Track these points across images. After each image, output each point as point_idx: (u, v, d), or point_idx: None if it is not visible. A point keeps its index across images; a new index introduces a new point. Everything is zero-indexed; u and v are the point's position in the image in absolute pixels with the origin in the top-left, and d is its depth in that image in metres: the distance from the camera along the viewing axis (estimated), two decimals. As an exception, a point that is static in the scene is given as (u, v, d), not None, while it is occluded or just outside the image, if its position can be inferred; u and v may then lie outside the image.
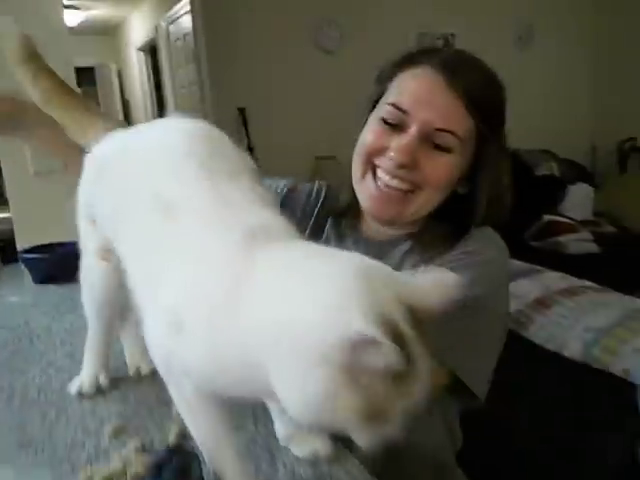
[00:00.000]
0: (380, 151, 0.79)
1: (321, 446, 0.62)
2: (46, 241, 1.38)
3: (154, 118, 4.90)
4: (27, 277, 1.39)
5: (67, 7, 5.13)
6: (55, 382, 0.83)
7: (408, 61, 0.80)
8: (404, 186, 0.78)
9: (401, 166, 0.77)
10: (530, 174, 4.00)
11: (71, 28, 5.63)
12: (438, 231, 0.82)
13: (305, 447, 0.62)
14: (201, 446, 0.52)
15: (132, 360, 0.85)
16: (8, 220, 1.56)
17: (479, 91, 0.77)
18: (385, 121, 0.79)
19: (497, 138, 0.80)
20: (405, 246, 0.83)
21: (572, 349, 1.41)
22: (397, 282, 0.41)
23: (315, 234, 0.91)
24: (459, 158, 0.78)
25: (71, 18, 5.42)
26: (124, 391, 0.79)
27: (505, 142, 0.83)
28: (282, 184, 0.97)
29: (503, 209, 0.83)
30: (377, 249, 0.82)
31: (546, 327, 1.64)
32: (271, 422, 0.66)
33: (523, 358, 1.37)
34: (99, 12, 5.96)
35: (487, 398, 1.10)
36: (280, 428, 0.64)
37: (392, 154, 0.77)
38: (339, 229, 0.90)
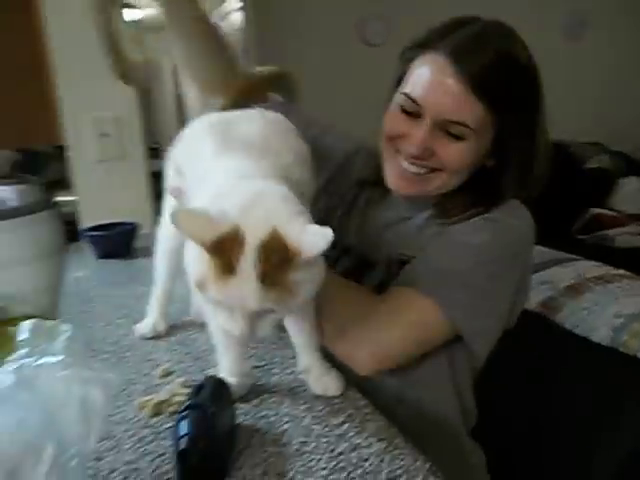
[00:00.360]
0: (400, 137, 0.84)
1: (332, 384, 0.72)
2: (106, 221, 1.53)
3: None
4: (90, 253, 1.55)
5: (126, 6, 5.38)
6: (113, 336, 0.96)
7: (425, 44, 0.81)
8: (422, 171, 0.83)
9: (415, 158, 0.82)
10: (579, 167, 3.94)
11: (129, 25, 5.91)
12: (462, 200, 0.85)
13: (319, 385, 0.73)
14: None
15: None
16: (73, 203, 1.72)
17: (487, 75, 0.76)
18: (402, 108, 0.82)
19: (519, 114, 0.80)
20: (428, 212, 0.88)
21: (601, 334, 1.43)
22: (279, 218, 0.53)
23: (348, 193, 0.99)
24: (474, 143, 0.80)
25: (128, 16, 5.67)
26: (173, 340, 0.92)
27: (537, 115, 0.83)
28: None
29: (534, 183, 0.85)
30: (404, 210, 0.90)
31: (576, 313, 1.66)
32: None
33: (552, 343, 1.40)
34: (155, 10, 6.19)
35: (513, 381, 1.13)
36: (300, 361, 0.75)
37: (407, 146, 0.82)
38: (371, 191, 0.97)
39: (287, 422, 0.67)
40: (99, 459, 0.62)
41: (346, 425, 0.66)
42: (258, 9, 3.93)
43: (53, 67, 1.58)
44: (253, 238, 0.52)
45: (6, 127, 1.67)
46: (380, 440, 0.62)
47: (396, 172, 0.86)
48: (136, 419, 0.70)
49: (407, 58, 0.84)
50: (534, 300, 2.00)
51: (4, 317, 1.44)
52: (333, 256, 0.95)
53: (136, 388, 0.77)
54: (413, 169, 0.83)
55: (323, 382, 0.73)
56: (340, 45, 3.94)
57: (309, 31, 3.86)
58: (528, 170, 0.84)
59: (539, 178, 0.85)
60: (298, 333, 0.75)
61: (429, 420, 0.85)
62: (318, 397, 0.72)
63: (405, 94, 0.82)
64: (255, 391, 0.74)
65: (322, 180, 0.99)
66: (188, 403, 0.59)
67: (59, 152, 1.82)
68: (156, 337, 0.93)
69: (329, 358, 0.77)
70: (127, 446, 0.64)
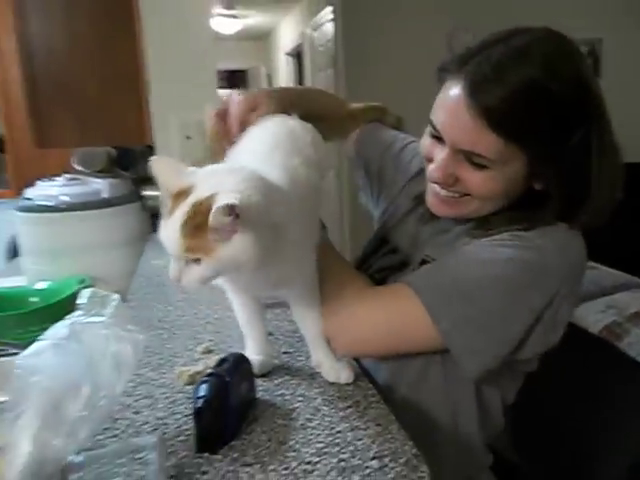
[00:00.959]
0: (430, 160, 0.85)
1: (344, 372, 0.79)
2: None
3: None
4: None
5: (226, 16, 5.71)
6: (171, 315, 1.09)
7: (451, 69, 0.79)
8: (453, 194, 0.83)
9: (438, 183, 0.82)
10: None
11: (229, 35, 6.25)
12: (505, 217, 0.82)
13: (332, 373, 0.80)
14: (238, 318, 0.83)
15: None
16: (157, 197, 1.89)
17: (504, 108, 0.72)
18: (431, 132, 0.83)
19: (553, 139, 0.75)
20: (466, 226, 0.87)
21: (667, 365, 1.38)
22: (225, 188, 0.60)
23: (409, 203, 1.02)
24: (499, 172, 0.77)
25: (229, 26, 6.01)
26: (220, 324, 1.03)
27: (587, 135, 0.76)
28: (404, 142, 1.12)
29: (596, 209, 0.79)
30: (443, 222, 0.90)
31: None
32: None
33: (613, 370, 1.37)
34: (254, 20, 6.52)
35: (569, 406, 1.08)
36: (312, 356, 0.83)
37: (431, 170, 0.83)
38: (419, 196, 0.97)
39: (299, 401, 0.75)
40: (136, 413, 0.73)
41: (350, 409, 0.72)
42: (349, 20, 4.06)
43: (147, 75, 1.77)
44: (194, 197, 0.61)
45: (105, 126, 1.88)
46: (377, 425, 0.69)
47: (432, 194, 0.87)
48: (172, 385, 0.81)
49: (440, 77, 0.82)
50: (598, 324, 1.95)
51: (91, 295, 1.64)
52: (383, 251, 1.01)
53: (178, 360, 0.88)
54: (444, 193, 0.84)
55: (335, 370, 0.80)
56: (429, 55, 3.96)
57: (399, 41, 3.92)
58: (580, 195, 0.78)
59: (604, 204, 0.79)
60: (307, 327, 0.82)
61: (420, 420, 0.88)
62: (333, 384, 0.79)
63: (430, 120, 0.82)
64: (279, 373, 0.83)
65: (396, 189, 1.08)
66: (210, 371, 0.68)
67: (149, 151, 2.01)
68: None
69: None
70: (161, 405, 0.75)
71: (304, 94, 1.14)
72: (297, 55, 6.28)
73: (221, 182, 0.62)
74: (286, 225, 0.66)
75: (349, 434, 0.67)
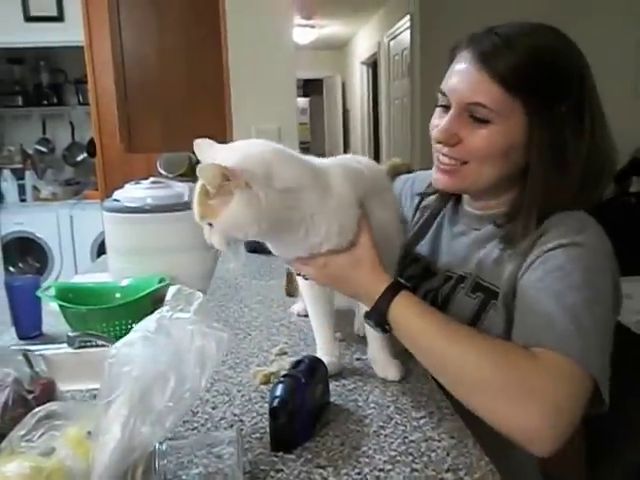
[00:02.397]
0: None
1: (393, 371, 0.82)
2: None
3: (368, 127, 5.24)
4: (242, 247, 1.76)
5: (304, 26, 5.82)
6: (247, 316, 1.12)
7: (458, 47, 0.86)
8: (452, 162, 0.85)
9: (441, 143, 0.85)
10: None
11: (306, 45, 6.36)
12: (522, 222, 0.82)
13: (381, 369, 0.84)
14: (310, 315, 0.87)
15: None
16: (234, 202, 1.96)
17: (505, 62, 0.78)
18: (440, 105, 0.87)
19: (549, 102, 0.80)
20: (491, 226, 0.89)
21: None
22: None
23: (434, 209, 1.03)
24: (500, 128, 0.80)
25: (306, 36, 6.11)
26: (294, 327, 1.05)
27: (581, 110, 0.81)
28: None
29: (594, 185, 0.83)
30: (473, 221, 0.93)
31: None
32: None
33: None
34: (330, 30, 6.59)
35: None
36: (368, 350, 0.86)
37: (435, 134, 0.86)
38: (448, 209, 1.01)
39: (372, 408, 0.75)
40: (214, 408, 0.76)
41: (424, 420, 0.72)
42: (426, 29, 4.04)
43: (230, 84, 1.83)
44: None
45: (189, 132, 1.96)
46: (451, 437, 0.68)
47: (434, 167, 0.90)
48: (249, 384, 0.83)
49: (449, 60, 0.88)
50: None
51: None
52: (405, 262, 1.01)
53: (254, 360, 0.91)
54: (445, 160, 0.86)
55: (385, 368, 0.83)
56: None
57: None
58: (565, 170, 0.81)
59: (592, 186, 0.83)
60: (370, 330, 0.83)
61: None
62: (405, 393, 0.78)
63: (439, 89, 0.87)
64: (352, 378, 0.83)
65: (408, 210, 1.12)
66: (286, 372, 0.70)
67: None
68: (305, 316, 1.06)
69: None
70: (237, 402, 0.77)
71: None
72: (372, 64, 6.30)
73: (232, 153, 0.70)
74: (299, 194, 0.72)
75: (423, 444, 0.66)
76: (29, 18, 3.58)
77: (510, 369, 0.67)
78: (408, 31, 4.37)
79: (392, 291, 0.74)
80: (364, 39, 6.58)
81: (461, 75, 0.83)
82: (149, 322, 0.63)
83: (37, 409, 0.57)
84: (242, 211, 0.68)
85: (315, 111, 8.81)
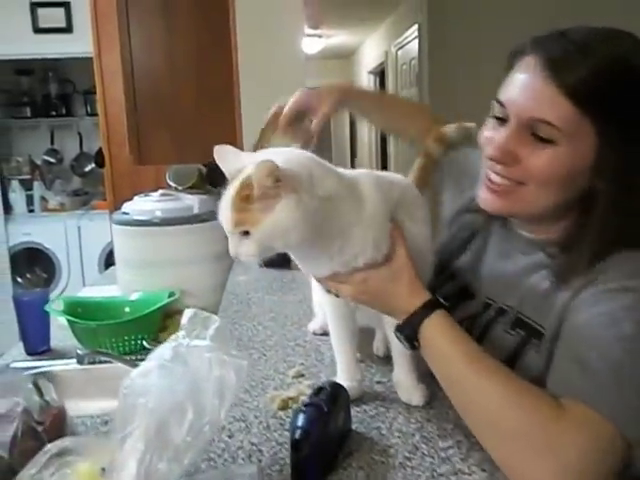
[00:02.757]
0: (487, 145, 0.78)
1: (417, 396, 0.79)
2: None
3: (375, 137, 5.22)
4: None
5: (311, 36, 5.82)
6: (260, 335, 1.08)
7: (521, 52, 0.75)
8: (505, 182, 0.75)
9: (495, 160, 0.75)
10: None
11: (313, 54, 6.36)
12: (578, 256, 0.72)
13: (405, 394, 0.80)
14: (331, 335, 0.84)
15: None
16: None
17: (579, 74, 0.68)
18: (494, 116, 0.77)
19: (627, 129, 0.70)
20: (546, 254, 0.78)
21: None
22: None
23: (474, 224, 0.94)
24: (566, 150, 0.70)
25: (314, 46, 6.11)
26: (309, 347, 1.01)
27: None
28: None
29: None
30: (523, 244, 0.82)
31: None
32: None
33: None
34: (338, 40, 6.59)
35: None
36: (394, 372, 0.83)
37: (489, 150, 0.76)
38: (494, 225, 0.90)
39: (397, 437, 0.71)
40: (230, 436, 0.73)
41: (452, 450, 0.68)
42: (434, 38, 4.02)
43: (240, 94, 1.81)
44: (243, 174, 0.65)
45: (199, 144, 1.94)
46: (483, 470, 0.64)
47: (483, 185, 0.80)
48: (266, 409, 0.79)
49: (507, 67, 0.78)
50: None
51: (180, 308, 1.68)
52: (442, 278, 0.94)
53: (270, 383, 0.87)
54: (498, 180, 0.76)
55: (409, 392, 0.80)
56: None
57: (484, 59, 3.83)
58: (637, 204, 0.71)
59: None
60: (394, 344, 0.80)
61: None
62: (430, 420, 0.75)
63: (495, 99, 0.77)
64: (373, 403, 0.80)
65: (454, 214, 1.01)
66: (307, 401, 0.66)
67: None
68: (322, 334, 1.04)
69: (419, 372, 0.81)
70: (255, 430, 0.74)
71: (381, 99, 1.21)
72: (380, 73, 6.29)
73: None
74: (337, 203, 0.69)
75: (452, 478, 0.63)
76: (38, 30, 3.58)
77: (533, 418, 0.62)
78: (416, 40, 4.36)
79: (428, 308, 0.70)
80: (371, 48, 6.58)
81: (524, 85, 0.73)
82: (165, 350, 0.59)
83: (48, 446, 0.53)
84: (288, 217, 0.64)
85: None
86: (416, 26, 4.32)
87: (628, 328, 0.64)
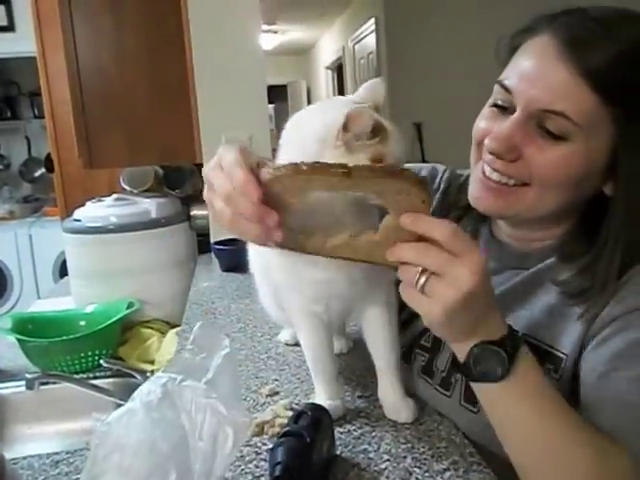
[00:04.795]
0: (484, 136, 0.68)
1: (405, 412, 0.72)
2: (234, 236, 1.61)
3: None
4: (216, 265, 1.65)
5: (266, 32, 5.72)
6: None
7: (529, 29, 0.66)
8: (504, 180, 0.66)
9: (495, 155, 0.65)
10: None
11: (269, 50, 6.26)
12: (591, 274, 0.63)
13: (392, 410, 0.73)
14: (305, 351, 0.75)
15: None
16: (206, 216, 1.83)
17: (609, 65, 0.59)
18: (495, 103, 0.67)
19: None
20: (546, 264, 0.70)
21: None
22: None
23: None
24: (581, 149, 0.61)
25: (269, 42, 6.02)
26: (283, 360, 0.93)
27: None
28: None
29: None
30: (513, 259, 0.74)
31: None
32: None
33: None
34: (294, 35, 6.51)
35: None
36: (379, 387, 0.75)
37: (487, 142, 0.66)
38: (469, 222, 0.81)
39: (386, 460, 0.65)
40: (201, 471, 0.64)
41: (449, 473, 0.62)
42: (391, 32, 3.99)
43: (196, 93, 1.72)
44: None
45: (154, 145, 1.83)
46: (484, 495, 0.58)
47: (477, 181, 0.69)
48: (245, 434, 0.71)
49: (506, 50, 0.69)
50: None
51: (140, 319, 1.58)
52: None
53: (243, 404, 0.79)
54: (495, 177, 0.66)
55: (396, 409, 0.73)
56: (474, 66, 3.85)
57: (442, 52, 3.82)
58: None
59: None
60: (380, 354, 0.75)
61: None
62: (421, 438, 0.69)
63: (498, 82, 0.67)
64: (357, 422, 0.73)
65: None
66: (287, 430, 0.59)
67: (198, 169, 1.96)
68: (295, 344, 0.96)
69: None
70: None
71: None
72: (337, 68, 6.24)
73: None
74: None
75: (452, 507, 0.57)
76: (-24, 29, 3.39)
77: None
78: (373, 34, 4.32)
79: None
80: (328, 43, 6.52)
81: (537, 69, 0.62)
82: (153, 386, 0.50)
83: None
84: None
85: (280, 117, 8.69)
86: (373, 20, 4.28)
87: None
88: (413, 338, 0.81)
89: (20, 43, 3.20)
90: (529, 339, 0.66)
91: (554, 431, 0.56)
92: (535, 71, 0.63)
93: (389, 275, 0.67)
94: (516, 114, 0.64)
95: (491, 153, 0.66)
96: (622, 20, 0.62)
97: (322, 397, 0.73)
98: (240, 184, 0.54)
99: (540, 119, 0.62)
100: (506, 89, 0.65)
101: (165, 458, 0.45)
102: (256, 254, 0.81)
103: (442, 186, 0.87)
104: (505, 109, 0.66)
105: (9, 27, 3.42)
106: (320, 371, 0.75)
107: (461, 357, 0.57)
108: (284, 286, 0.72)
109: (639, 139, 0.61)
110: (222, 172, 0.56)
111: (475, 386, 0.59)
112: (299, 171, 0.53)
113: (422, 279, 0.52)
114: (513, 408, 0.57)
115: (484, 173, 0.68)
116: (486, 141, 0.66)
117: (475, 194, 0.70)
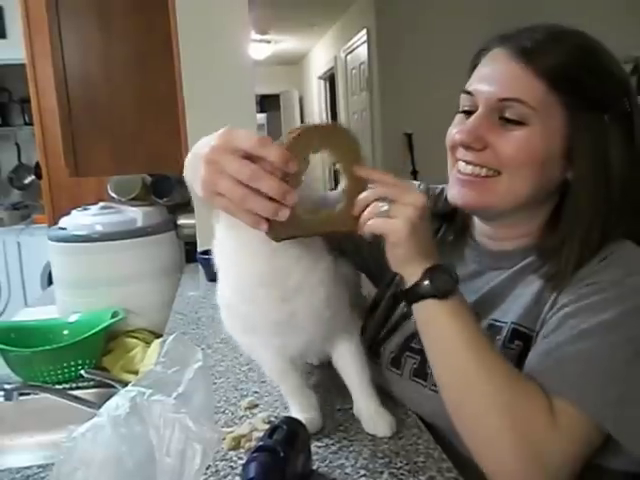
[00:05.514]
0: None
1: (382, 426, 0.71)
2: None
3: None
4: (203, 275, 1.63)
5: (259, 42, 5.74)
6: (210, 359, 0.99)
7: (484, 49, 0.76)
8: (477, 171, 0.72)
9: (464, 146, 0.72)
10: None
11: (261, 60, 6.28)
12: (565, 260, 0.69)
13: (370, 424, 0.72)
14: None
15: None
16: (193, 225, 1.83)
17: (552, 58, 0.69)
18: (462, 110, 0.75)
19: (594, 109, 0.70)
20: (527, 262, 0.75)
21: None
22: None
23: None
24: (538, 130, 0.69)
25: (262, 51, 6.04)
26: (262, 375, 0.92)
27: (622, 124, 0.70)
28: None
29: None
30: (493, 260, 0.78)
31: None
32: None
33: None
34: (286, 45, 6.54)
35: None
36: (354, 404, 0.75)
37: (456, 136, 0.73)
38: (449, 232, 0.87)
39: (363, 475, 0.64)
40: (175, 487, 0.63)
41: (425, 488, 0.61)
42: (383, 43, 4.01)
43: (184, 101, 1.71)
44: None
45: (142, 154, 1.83)
46: (460, 511, 0.57)
47: (453, 180, 0.76)
48: (214, 450, 0.70)
49: (471, 67, 0.78)
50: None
51: (125, 328, 1.57)
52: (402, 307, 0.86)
53: (220, 417, 0.78)
54: (469, 170, 0.73)
55: (374, 422, 0.72)
56: (466, 78, 3.88)
57: (433, 63, 3.85)
58: (612, 187, 0.69)
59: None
60: (348, 376, 0.75)
61: None
62: (399, 452, 0.68)
63: (462, 90, 0.76)
64: (335, 436, 0.72)
65: None
66: (260, 444, 0.58)
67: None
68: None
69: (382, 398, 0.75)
70: (202, 478, 0.65)
71: None
72: (329, 78, 6.27)
73: None
74: None
75: (427, 523, 0.56)
76: (-32, 35, 3.38)
77: (525, 425, 0.61)
78: (365, 45, 4.35)
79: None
80: (320, 54, 6.55)
81: (495, 71, 0.72)
82: (121, 400, 0.49)
83: None
84: None
85: (273, 127, 8.72)
86: (364, 30, 4.31)
87: (611, 317, 0.63)
88: (402, 342, 0.82)
89: (11, 50, 3.18)
90: (517, 327, 0.71)
91: (477, 354, 0.64)
92: (491, 72, 0.73)
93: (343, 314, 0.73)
94: (479, 110, 0.72)
95: (461, 145, 0.73)
96: (563, 32, 0.73)
97: (296, 410, 0.72)
98: (281, 160, 0.58)
99: (500, 110, 0.70)
100: (469, 93, 0.74)
101: (131, 475, 0.44)
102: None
103: None
104: (471, 113, 0.73)
105: (0, 34, 3.41)
106: (289, 388, 0.74)
107: (414, 278, 0.66)
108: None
109: (586, 124, 0.69)
110: (233, 154, 0.58)
111: (418, 306, 0.67)
112: (296, 135, 0.61)
113: (385, 206, 0.63)
114: (446, 326, 0.65)
115: (459, 171, 0.74)
116: (456, 136, 0.73)
117: (453, 192, 0.76)
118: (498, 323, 0.74)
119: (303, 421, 0.66)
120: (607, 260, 0.68)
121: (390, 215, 0.63)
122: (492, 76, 0.72)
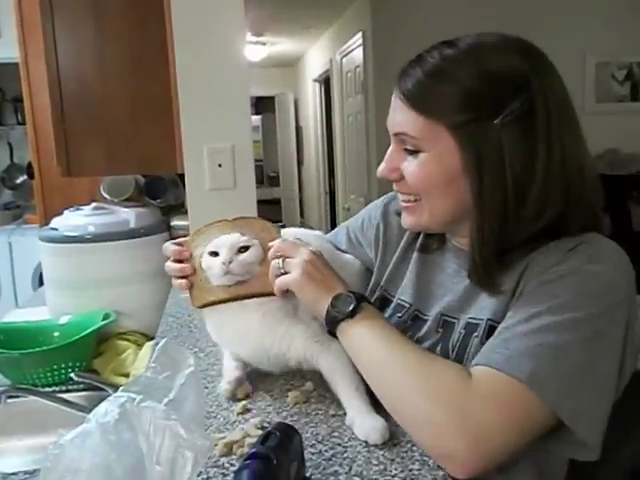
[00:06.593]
0: None
1: (375, 433, 0.71)
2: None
3: (322, 143, 5.21)
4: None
5: (255, 44, 5.73)
6: (202, 364, 0.98)
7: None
8: (405, 198, 0.80)
9: (385, 179, 0.80)
10: None
11: (257, 62, 6.27)
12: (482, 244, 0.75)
13: (362, 431, 0.72)
14: None
15: None
16: (187, 227, 1.82)
17: (414, 85, 0.74)
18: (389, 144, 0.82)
19: (478, 120, 0.71)
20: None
21: None
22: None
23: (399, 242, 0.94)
24: (432, 155, 0.73)
25: (257, 53, 6.03)
26: (255, 381, 0.91)
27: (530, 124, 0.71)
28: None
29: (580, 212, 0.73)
30: (463, 261, 0.80)
31: None
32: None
33: None
34: (282, 47, 6.53)
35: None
36: (347, 414, 0.75)
37: (378, 172, 0.81)
38: (431, 239, 0.90)
39: (357, 483, 0.63)
40: (165, 494, 0.62)
41: (420, 497, 0.60)
42: (379, 46, 4.01)
43: (179, 102, 1.70)
44: None
45: (135, 154, 1.81)
46: (455, 520, 0.57)
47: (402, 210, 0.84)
48: (206, 458, 0.69)
49: None
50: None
51: (117, 330, 1.55)
52: (388, 311, 0.90)
53: (212, 422, 0.77)
54: (402, 197, 0.81)
55: (366, 429, 0.72)
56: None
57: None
58: (523, 186, 0.71)
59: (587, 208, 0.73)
60: (336, 384, 0.77)
61: None
62: (394, 460, 0.67)
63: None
64: (329, 443, 0.71)
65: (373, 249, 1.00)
66: (253, 451, 0.57)
67: (179, 179, 1.94)
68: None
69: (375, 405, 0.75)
70: (193, 483, 0.64)
71: None
72: (325, 81, 6.26)
73: None
74: None
75: (422, 533, 0.55)
76: (-40, 33, 3.35)
77: (437, 381, 0.66)
78: (360, 48, 4.34)
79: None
80: (316, 56, 6.55)
81: (391, 108, 0.79)
82: (110, 406, 0.47)
83: None
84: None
85: (267, 129, 8.71)
86: (360, 34, 4.31)
87: (564, 300, 0.66)
88: None
89: (5, 49, 3.16)
90: (493, 323, 0.73)
91: (395, 354, 0.70)
92: (390, 110, 0.78)
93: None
94: (391, 144, 0.79)
95: (382, 179, 0.80)
96: (434, 48, 0.76)
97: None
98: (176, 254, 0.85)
99: (402, 142, 0.76)
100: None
101: (121, 481, 0.43)
102: None
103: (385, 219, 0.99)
104: None
105: (-6, 33, 3.39)
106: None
107: (323, 311, 0.74)
108: None
109: (472, 137, 0.71)
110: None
111: (338, 335, 0.74)
112: (201, 229, 0.87)
113: (280, 262, 0.78)
114: (365, 337, 0.72)
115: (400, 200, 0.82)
116: (378, 173, 0.80)
117: (401, 217, 0.84)
118: (475, 320, 0.76)
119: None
120: (574, 250, 0.70)
121: (286, 271, 0.76)
122: (391, 113, 0.78)
